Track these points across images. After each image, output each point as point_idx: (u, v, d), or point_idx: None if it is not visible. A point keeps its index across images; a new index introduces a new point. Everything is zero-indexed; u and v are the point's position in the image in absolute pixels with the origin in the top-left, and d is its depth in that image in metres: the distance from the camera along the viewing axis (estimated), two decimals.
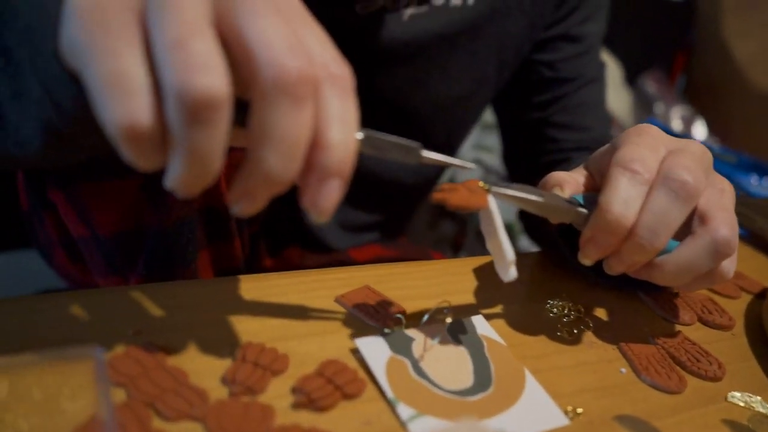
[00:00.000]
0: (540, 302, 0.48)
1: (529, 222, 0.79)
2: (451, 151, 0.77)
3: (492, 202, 0.37)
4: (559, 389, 0.39)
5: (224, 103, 0.26)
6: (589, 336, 0.45)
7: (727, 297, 0.54)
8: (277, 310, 0.41)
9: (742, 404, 0.41)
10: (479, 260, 0.52)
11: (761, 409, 0.41)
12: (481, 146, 1.20)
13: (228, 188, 0.29)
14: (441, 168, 0.79)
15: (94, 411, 0.27)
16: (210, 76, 0.25)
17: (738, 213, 0.42)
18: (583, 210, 0.41)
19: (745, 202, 0.69)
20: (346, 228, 0.75)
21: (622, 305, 0.49)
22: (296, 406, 0.33)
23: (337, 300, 0.43)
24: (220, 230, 0.52)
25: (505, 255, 0.37)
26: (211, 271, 0.54)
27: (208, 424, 0.30)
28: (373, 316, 0.41)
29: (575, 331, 0.45)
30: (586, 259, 0.42)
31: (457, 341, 0.40)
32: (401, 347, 0.38)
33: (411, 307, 0.43)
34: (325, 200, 0.29)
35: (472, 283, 0.49)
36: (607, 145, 0.44)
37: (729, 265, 0.42)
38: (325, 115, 0.28)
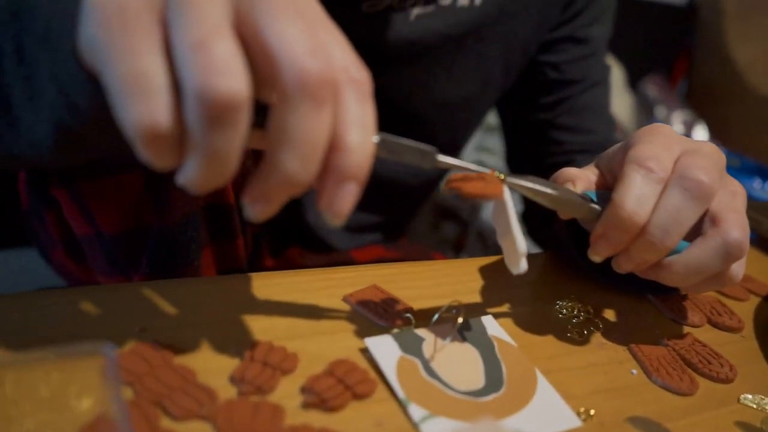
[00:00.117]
0: (548, 303, 0.47)
1: (532, 223, 0.79)
2: (455, 152, 0.76)
3: (506, 193, 0.37)
4: (571, 390, 0.38)
5: (244, 106, 0.25)
6: (598, 337, 0.44)
7: (735, 299, 0.54)
8: (284, 308, 0.40)
9: (754, 406, 0.41)
10: (485, 260, 0.51)
11: None
12: (483, 148, 1.20)
13: (244, 190, 0.29)
14: (444, 170, 0.78)
15: (102, 409, 0.27)
16: (231, 78, 0.25)
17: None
18: (596, 206, 0.40)
19: (751, 205, 0.69)
20: (348, 229, 0.75)
21: (631, 306, 0.49)
22: (306, 406, 0.33)
23: (345, 299, 0.42)
24: (224, 229, 0.52)
25: (518, 247, 0.36)
26: (214, 270, 0.54)
27: (217, 423, 0.30)
28: (382, 315, 0.41)
29: (585, 332, 0.44)
30: (596, 256, 0.42)
31: (468, 341, 0.40)
32: (411, 347, 0.38)
33: (419, 306, 0.43)
34: (342, 203, 0.28)
35: (479, 283, 0.48)
36: (619, 144, 0.44)
37: (738, 268, 0.42)
38: (344, 118, 0.28)
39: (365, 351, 0.37)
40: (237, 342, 0.36)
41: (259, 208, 0.28)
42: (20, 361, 0.27)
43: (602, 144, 0.74)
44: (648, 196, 0.39)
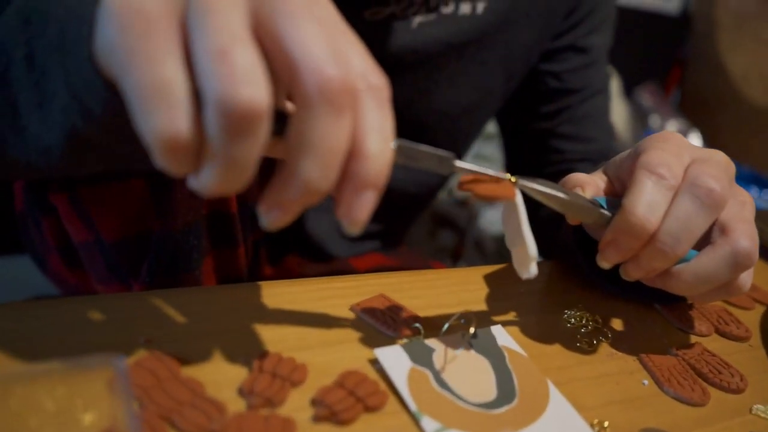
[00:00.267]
0: (556, 312, 0.47)
1: (535, 231, 0.79)
2: None
3: (518, 195, 0.36)
4: (583, 402, 0.38)
5: (266, 115, 0.25)
6: (607, 347, 0.44)
7: (740, 308, 0.54)
8: (291, 318, 0.39)
9: (767, 417, 0.40)
10: (490, 268, 0.51)
11: None
12: (481, 156, 1.20)
13: (260, 198, 0.28)
14: (443, 178, 0.78)
15: (111, 423, 0.26)
16: (253, 87, 0.24)
17: None
18: (606, 212, 0.40)
19: (756, 215, 0.69)
20: (347, 237, 0.75)
21: (639, 315, 0.48)
22: (317, 419, 0.32)
23: (352, 308, 0.41)
24: (225, 237, 0.51)
25: (528, 250, 0.36)
26: (215, 279, 0.53)
27: None
28: (390, 325, 0.40)
29: (594, 342, 0.44)
30: (605, 262, 0.41)
31: (479, 352, 0.39)
32: (422, 358, 0.37)
33: (426, 316, 0.42)
34: (360, 211, 0.28)
35: (484, 291, 0.47)
36: (627, 151, 0.44)
37: (747, 278, 0.42)
38: (364, 125, 0.28)
39: (375, 362, 0.37)
40: (244, 353, 0.35)
41: (275, 216, 0.28)
42: (24, 374, 0.26)
43: (603, 153, 0.74)
44: (659, 203, 0.38)
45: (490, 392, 0.36)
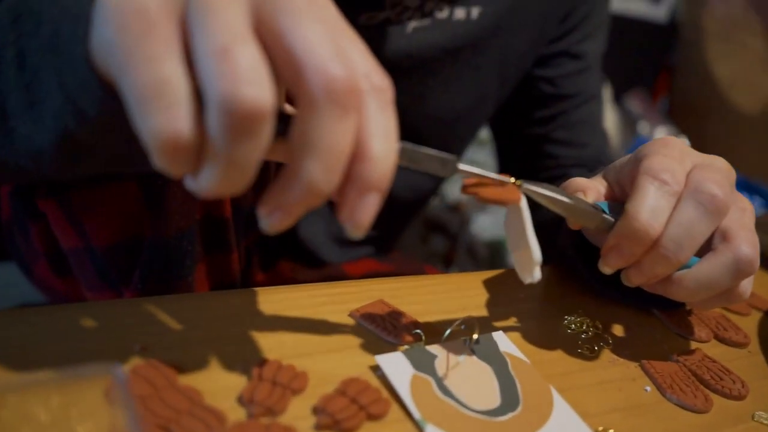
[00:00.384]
0: (556, 318, 0.46)
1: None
2: None
3: (523, 199, 0.36)
4: (587, 409, 0.37)
5: (269, 115, 0.24)
6: (609, 353, 0.44)
7: (737, 314, 0.54)
8: (290, 324, 0.39)
9: None
10: (488, 274, 0.50)
11: None
12: (473, 162, 1.19)
13: (260, 200, 0.27)
14: (437, 183, 0.78)
15: None
16: (257, 87, 0.23)
17: None
18: (609, 217, 0.40)
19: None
20: (339, 242, 0.74)
21: (638, 321, 0.48)
22: (319, 427, 0.31)
23: (351, 314, 0.41)
24: (218, 242, 0.50)
25: (533, 254, 0.35)
26: (207, 285, 0.52)
27: None
28: (390, 331, 0.39)
29: (596, 348, 0.43)
30: (607, 267, 0.41)
31: (481, 358, 0.38)
32: (424, 364, 0.36)
33: (426, 321, 0.41)
34: (364, 214, 0.27)
35: (483, 297, 0.47)
36: (628, 156, 0.44)
37: (747, 285, 0.42)
38: (368, 127, 0.27)
39: (376, 369, 0.36)
40: (242, 360, 0.34)
41: (276, 218, 0.27)
42: (17, 384, 0.25)
43: (597, 158, 0.74)
44: (662, 209, 0.38)
45: (494, 399, 0.36)
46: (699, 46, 1.53)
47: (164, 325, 0.36)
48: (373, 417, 0.32)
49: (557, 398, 0.37)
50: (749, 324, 0.53)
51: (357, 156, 0.27)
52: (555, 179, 0.75)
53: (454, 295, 0.46)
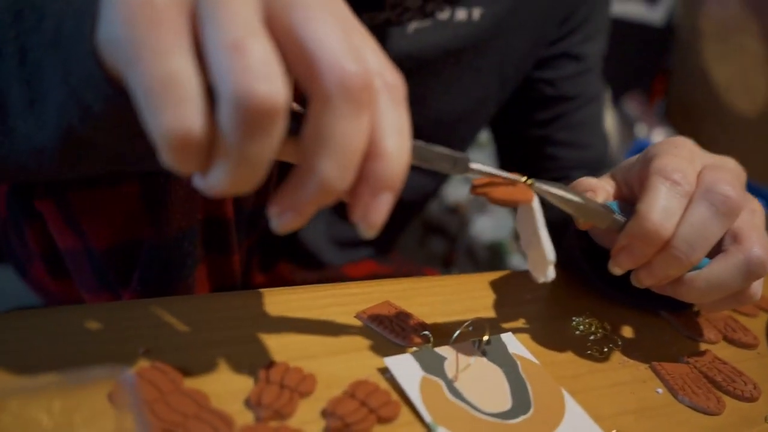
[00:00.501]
0: (563, 319, 0.46)
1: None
2: None
3: (535, 198, 0.35)
4: (599, 411, 0.37)
5: (283, 111, 0.23)
6: (619, 355, 0.43)
7: (745, 315, 0.53)
8: (295, 326, 0.38)
9: None
10: (493, 275, 0.49)
11: None
12: None
13: (271, 200, 0.27)
14: (437, 184, 0.77)
15: None
16: (270, 82, 0.23)
17: None
18: (620, 217, 0.39)
19: None
20: (339, 243, 0.73)
21: (646, 323, 0.47)
22: (329, 431, 0.30)
23: (358, 316, 0.40)
24: (220, 243, 0.49)
25: (546, 254, 0.35)
26: (208, 287, 0.51)
27: None
28: (398, 333, 0.38)
29: (605, 350, 0.43)
30: (617, 268, 0.40)
31: (491, 360, 0.38)
32: (433, 367, 0.35)
33: (433, 323, 0.41)
34: (377, 214, 0.27)
35: (490, 298, 0.46)
36: (636, 156, 0.43)
37: (758, 287, 0.41)
38: (382, 124, 0.26)
39: (384, 371, 0.35)
40: (248, 363, 0.33)
41: (287, 218, 0.26)
42: (19, 389, 0.24)
43: (598, 160, 0.74)
44: (674, 209, 0.38)
45: (505, 402, 0.35)
46: (696, 49, 1.54)
47: (167, 327, 0.35)
48: (383, 420, 0.32)
49: (569, 401, 0.36)
50: (757, 325, 0.52)
51: (370, 154, 0.26)
52: (556, 181, 0.74)
53: (460, 296, 0.45)
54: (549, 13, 0.65)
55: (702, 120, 1.57)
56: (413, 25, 0.56)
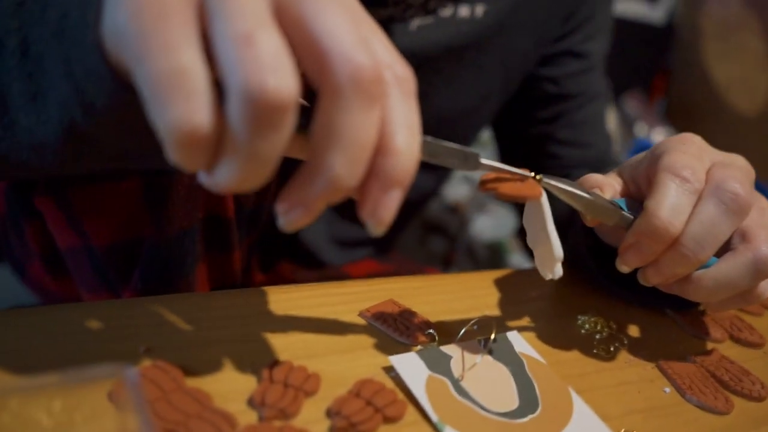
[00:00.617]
0: (569, 318, 0.45)
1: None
2: None
3: (544, 194, 0.35)
4: (606, 411, 0.36)
5: (293, 106, 0.23)
6: (625, 354, 0.42)
7: (750, 314, 0.53)
8: (298, 325, 0.37)
9: None
10: (497, 273, 0.49)
11: None
12: None
13: (279, 197, 0.26)
14: (437, 183, 0.77)
15: None
16: (280, 76, 0.22)
17: None
18: (628, 214, 0.38)
19: None
20: (339, 243, 0.73)
21: (652, 321, 0.47)
22: (335, 430, 0.30)
23: (362, 314, 0.39)
24: (221, 241, 0.49)
25: (554, 251, 0.34)
26: (208, 285, 0.50)
27: None
28: (403, 332, 0.38)
29: (612, 349, 0.42)
30: (625, 266, 0.40)
31: (497, 359, 0.37)
32: (439, 365, 0.35)
33: (438, 321, 0.40)
34: (387, 210, 0.26)
35: (495, 297, 0.46)
36: (644, 153, 0.43)
37: (765, 286, 0.41)
38: (392, 119, 0.26)
39: (390, 370, 0.35)
40: (251, 362, 0.33)
41: (295, 215, 0.26)
42: (18, 387, 0.24)
43: (600, 158, 0.73)
44: (683, 206, 0.37)
45: (512, 401, 0.34)
46: (696, 48, 1.53)
47: (168, 326, 0.35)
48: (389, 419, 0.31)
49: (577, 400, 0.36)
50: (763, 324, 0.52)
51: (381, 149, 0.26)
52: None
53: (464, 294, 0.45)
54: (551, 10, 0.65)
55: (702, 119, 1.57)
56: (416, 22, 0.56)
